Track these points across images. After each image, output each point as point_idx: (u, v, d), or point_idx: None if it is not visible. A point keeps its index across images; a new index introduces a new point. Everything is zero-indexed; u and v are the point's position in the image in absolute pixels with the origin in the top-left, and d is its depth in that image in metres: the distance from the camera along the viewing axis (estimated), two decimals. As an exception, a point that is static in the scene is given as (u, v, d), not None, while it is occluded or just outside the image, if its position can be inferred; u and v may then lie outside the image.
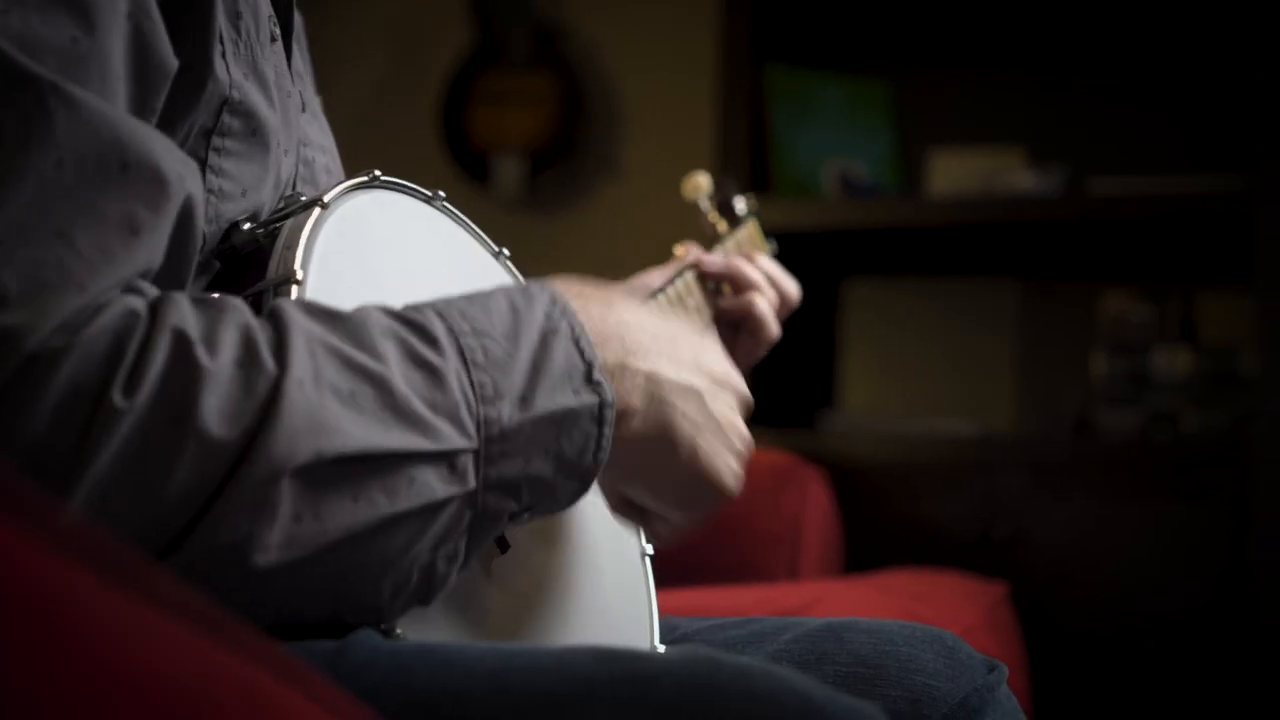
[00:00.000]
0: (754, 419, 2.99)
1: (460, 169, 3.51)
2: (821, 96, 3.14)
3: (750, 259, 1.51)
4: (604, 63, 3.52)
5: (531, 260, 3.60)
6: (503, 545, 1.02)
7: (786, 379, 3.07)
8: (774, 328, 1.49)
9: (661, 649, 1.14)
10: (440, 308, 0.90)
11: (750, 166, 2.96)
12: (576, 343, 0.92)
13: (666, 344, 1.01)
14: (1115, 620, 2.67)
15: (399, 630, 0.90)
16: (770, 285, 1.50)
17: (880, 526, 2.77)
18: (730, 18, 2.99)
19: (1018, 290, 3.13)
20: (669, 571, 2.21)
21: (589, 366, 0.92)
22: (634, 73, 3.50)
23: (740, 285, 1.49)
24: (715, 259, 1.50)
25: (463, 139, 3.51)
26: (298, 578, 0.82)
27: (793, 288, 1.54)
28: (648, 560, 1.18)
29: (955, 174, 3.00)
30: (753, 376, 2.89)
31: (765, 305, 1.48)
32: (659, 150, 3.46)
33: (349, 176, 1.04)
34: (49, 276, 0.77)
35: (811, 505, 2.44)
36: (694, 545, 2.39)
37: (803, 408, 3.10)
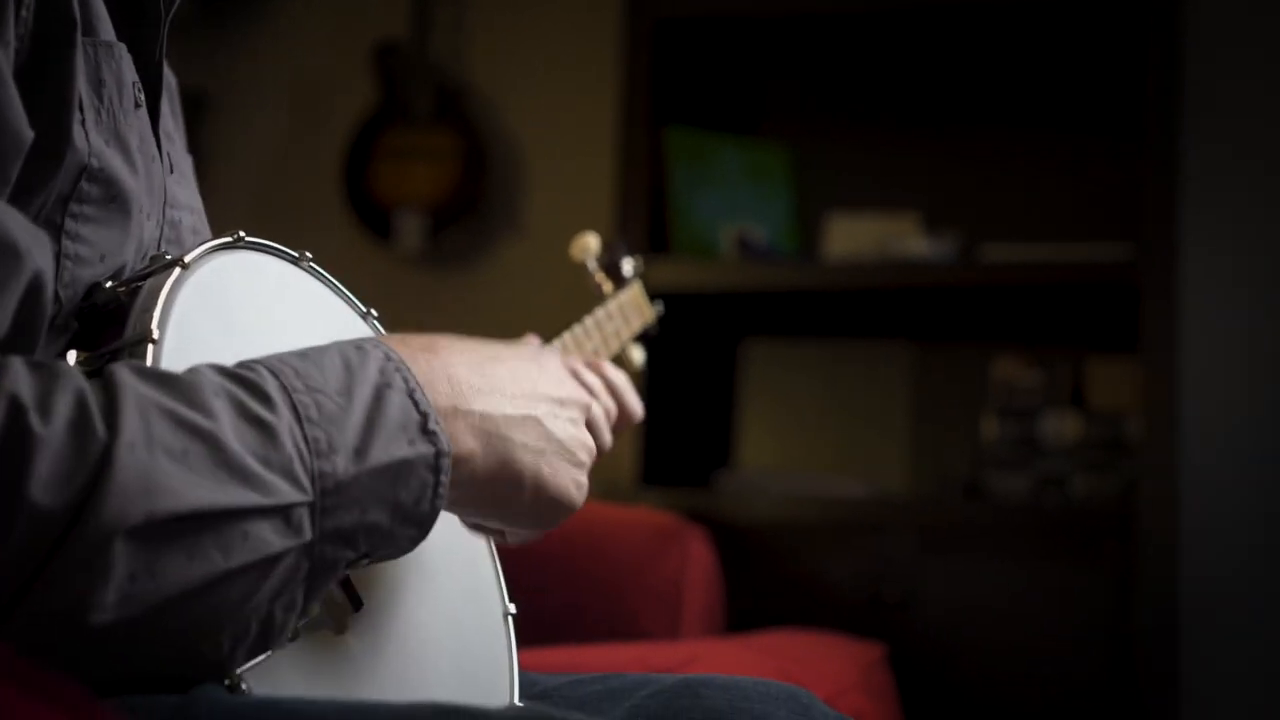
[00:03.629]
0: (649, 479, 3.00)
1: (363, 225, 3.51)
2: (721, 159, 3.17)
3: (596, 366, 1.42)
4: (506, 121, 3.53)
5: (433, 316, 3.61)
6: (356, 603, 1.02)
7: (684, 439, 3.08)
8: (604, 437, 1.34)
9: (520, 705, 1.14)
10: (273, 365, 0.90)
11: (649, 227, 2.98)
12: (411, 395, 0.94)
13: (500, 380, 1.03)
14: (1001, 683, 2.68)
15: (245, 686, 0.90)
16: (608, 393, 1.41)
17: (771, 587, 2.78)
18: (630, 79, 3.01)
19: (912, 353, 3.17)
20: (547, 628, 2.22)
21: (424, 418, 0.94)
22: (536, 131, 3.53)
23: None
24: None
25: (365, 195, 3.51)
26: (136, 635, 0.82)
27: (635, 404, 1.42)
28: (510, 619, 1.19)
29: (852, 238, 3.03)
30: (651, 437, 2.92)
31: (597, 411, 1.34)
32: (560, 208, 3.48)
33: (218, 235, 1.04)
34: None
35: (693, 564, 2.45)
36: (575, 603, 2.40)
37: (700, 467, 3.11)
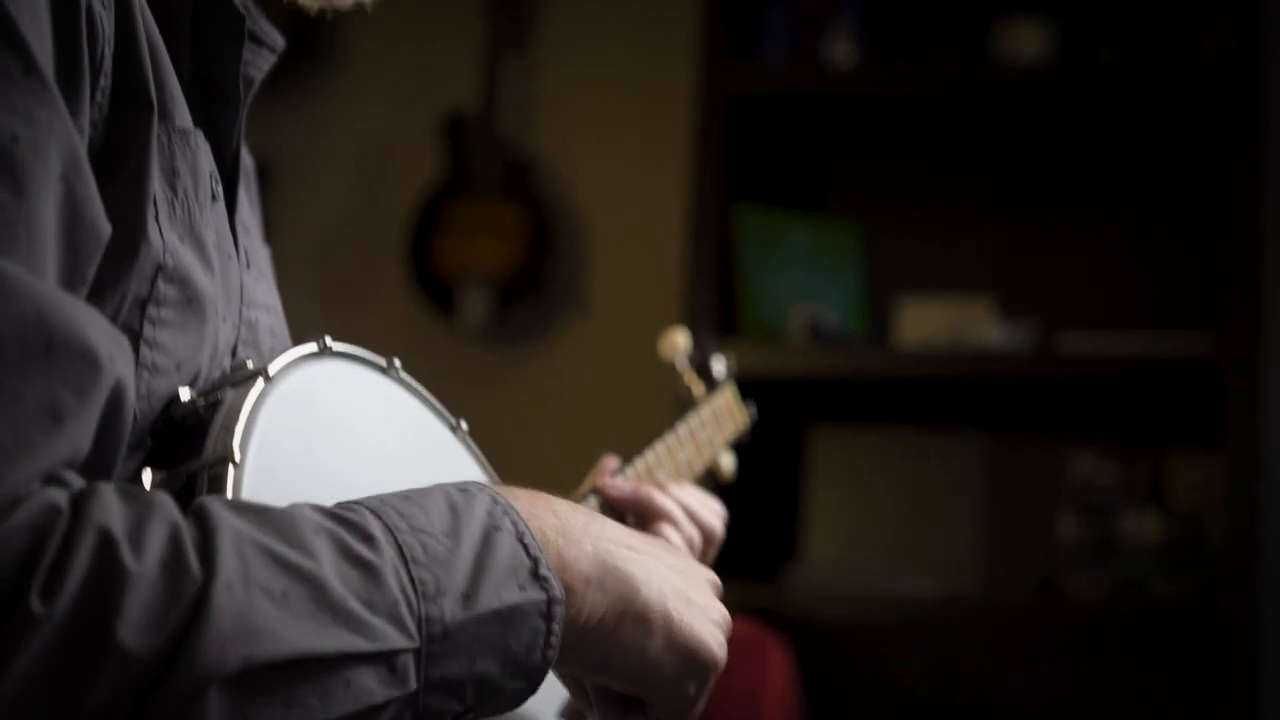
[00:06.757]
0: (715, 569, 2.92)
1: (427, 298, 3.47)
2: (790, 237, 3.12)
3: (664, 488, 1.31)
4: (573, 196, 3.49)
5: (496, 394, 3.54)
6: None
7: (750, 528, 3.01)
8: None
9: None
10: (375, 505, 0.84)
11: (719, 306, 2.92)
12: (521, 539, 0.88)
13: (604, 523, 0.96)
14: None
15: None
16: (688, 519, 1.30)
17: (842, 688, 2.71)
18: (702, 155, 2.97)
19: (985, 444, 3.09)
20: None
21: (535, 562, 0.87)
22: (603, 207, 3.49)
23: (650, 516, 1.30)
24: (622, 486, 1.30)
25: (430, 268, 3.47)
26: None
27: (716, 524, 1.31)
28: None
29: (924, 323, 2.97)
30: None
31: (678, 540, 1.28)
32: (627, 286, 3.43)
33: (298, 340, 0.99)
34: None
35: (772, 674, 2.39)
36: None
37: (766, 559, 3.04)
